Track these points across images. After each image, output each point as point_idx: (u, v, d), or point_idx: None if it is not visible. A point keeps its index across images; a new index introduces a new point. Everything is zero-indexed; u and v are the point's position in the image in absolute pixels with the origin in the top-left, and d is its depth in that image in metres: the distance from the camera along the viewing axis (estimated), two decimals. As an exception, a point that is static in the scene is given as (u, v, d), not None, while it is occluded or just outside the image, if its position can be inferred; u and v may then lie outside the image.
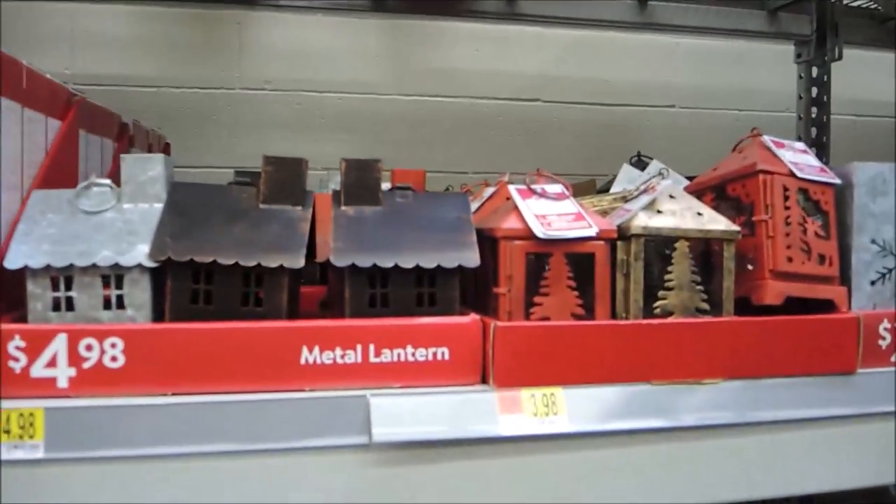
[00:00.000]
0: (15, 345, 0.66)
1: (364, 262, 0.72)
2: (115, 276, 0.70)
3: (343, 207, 0.77)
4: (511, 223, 0.75)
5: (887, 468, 0.83)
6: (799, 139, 1.57)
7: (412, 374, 0.72)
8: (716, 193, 0.90)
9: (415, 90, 1.75)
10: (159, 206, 0.74)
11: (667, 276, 0.78)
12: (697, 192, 0.90)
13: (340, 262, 0.72)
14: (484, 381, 0.74)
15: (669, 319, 0.78)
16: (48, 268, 0.69)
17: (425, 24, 1.73)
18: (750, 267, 0.83)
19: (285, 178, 0.76)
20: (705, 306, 0.79)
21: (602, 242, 0.76)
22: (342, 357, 0.70)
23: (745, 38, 1.75)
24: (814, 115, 1.61)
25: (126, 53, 1.61)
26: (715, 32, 1.60)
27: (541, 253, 0.75)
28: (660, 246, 0.78)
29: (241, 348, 0.69)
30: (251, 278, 0.71)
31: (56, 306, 0.70)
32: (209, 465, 0.67)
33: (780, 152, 0.85)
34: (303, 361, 0.70)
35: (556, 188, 0.80)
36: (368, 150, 0.77)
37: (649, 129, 1.86)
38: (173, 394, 0.68)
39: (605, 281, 0.76)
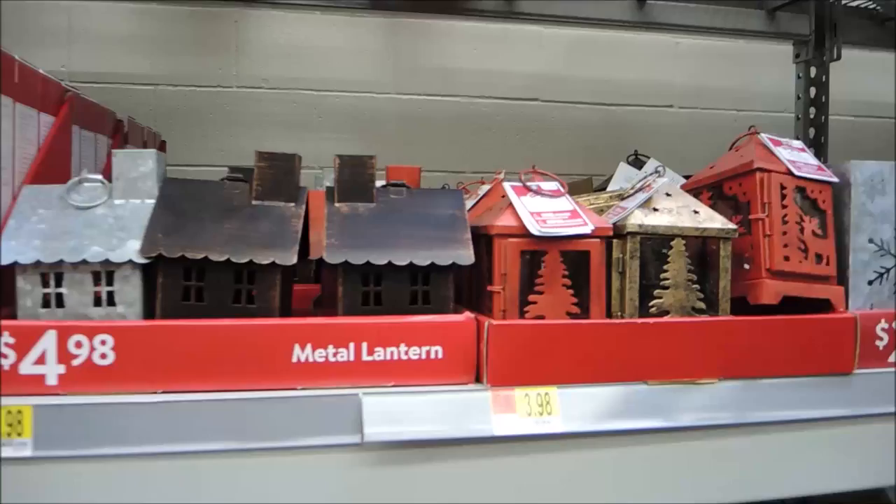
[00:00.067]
0: (4, 341, 0.65)
1: (357, 259, 0.72)
2: (105, 272, 0.69)
3: (336, 204, 0.77)
4: (506, 220, 0.75)
5: (885, 470, 0.83)
6: (797, 139, 1.57)
7: (405, 373, 0.71)
8: (713, 192, 0.89)
9: (413, 89, 1.74)
10: (151, 201, 0.73)
11: (663, 275, 0.78)
12: (694, 190, 0.90)
13: (333, 259, 0.71)
14: (478, 380, 0.73)
15: (665, 319, 0.77)
16: (38, 263, 0.68)
17: (424, 22, 1.73)
18: (746, 266, 0.83)
19: (278, 174, 0.75)
20: (702, 305, 0.79)
21: (598, 240, 0.75)
22: (334, 355, 0.70)
23: (743, 38, 1.74)
24: (812, 116, 1.61)
25: (123, 51, 1.60)
26: (713, 32, 1.60)
27: (536, 251, 0.74)
28: (656, 244, 0.78)
29: (233, 346, 0.68)
30: (243, 275, 0.71)
31: (46, 303, 0.69)
32: (199, 463, 0.67)
33: (778, 150, 0.85)
34: (295, 359, 0.69)
35: (551, 185, 0.80)
36: (366, 149, 0.77)
37: (648, 128, 1.85)
38: (164, 392, 0.67)
39: (601, 279, 0.76)
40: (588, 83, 1.83)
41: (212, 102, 1.65)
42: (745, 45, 1.85)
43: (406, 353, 0.71)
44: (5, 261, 0.67)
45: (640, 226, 0.76)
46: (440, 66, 1.75)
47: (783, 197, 0.82)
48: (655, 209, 0.79)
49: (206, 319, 0.69)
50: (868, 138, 1.93)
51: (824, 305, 0.83)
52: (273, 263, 0.70)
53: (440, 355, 0.72)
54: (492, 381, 0.71)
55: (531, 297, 0.74)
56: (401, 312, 0.72)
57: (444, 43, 1.75)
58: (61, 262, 0.68)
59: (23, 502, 0.64)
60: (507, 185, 0.79)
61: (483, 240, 0.77)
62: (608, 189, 1.09)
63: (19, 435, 0.63)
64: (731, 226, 0.79)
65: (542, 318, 0.74)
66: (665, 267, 0.78)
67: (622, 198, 0.85)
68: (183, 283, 0.70)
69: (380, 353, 0.71)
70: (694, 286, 0.78)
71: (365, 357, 0.70)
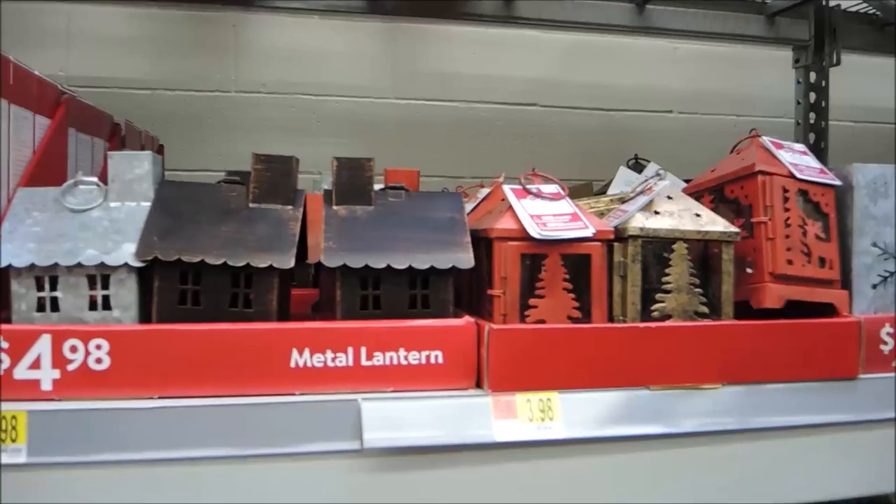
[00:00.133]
0: (-3, 346, 0.64)
1: (356, 262, 0.71)
2: (100, 275, 0.69)
3: (334, 207, 0.76)
4: (506, 223, 0.74)
5: (888, 476, 0.82)
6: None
7: (405, 378, 0.70)
8: (714, 195, 0.89)
9: (411, 94, 1.74)
10: (147, 204, 0.72)
11: (665, 279, 0.77)
12: (695, 193, 0.89)
13: (331, 262, 0.71)
14: (478, 385, 0.72)
15: (667, 323, 0.76)
16: (32, 267, 0.67)
17: (422, 27, 1.72)
18: (749, 270, 0.82)
19: (275, 177, 0.74)
20: (704, 309, 0.78)
21: (599, 243, 0.74)
22: (333, 360, 0.69)
23: (743, 43, 1.74)
24: (812, 121, 1.60)
25: (121, 55, 1.60)
26: (713, 37, 1.60)
27: (536, 254, 0.74)
28: (657, 248, 0.77)
29: (230, 350, 0.67)
30: (240, 279, 0.70)
31: (41, 307, 0.68)
32: (196, 470, 0.66)
33: (780, 153, 0.84)
34: (293, 364, 0.68)
35: (551, 188, 0.79)
36: (364, 154, 0.76)
37: (647, 133, 1.85)
38: (160, 397, 0.66)
39: (602, 283, 0.75)
40: (587, 88, 1.82)
41: (210, 107, 1.64)
42: (744, 50, 1.85)
43: (405, 357, 0.70)
44: (-1, 264, 0.67)
45: (641, 229, 0.76)
46: (439, 71, 1.75)
47: (785, 200, 0.81)
48: (657, 212, 0.78)
49: (202, 324, 0.68)
50: (868, 144, 1.93)
51: (828, 310, 0.82)
52: (270, 267, 0.69)
53: (440, 360, 0.71)
54: (492, 386, 0.71)
55: (532, 301, 0.74)
56: (400, 317, 0.72)
57: (442, 47, 1.75)
58: (56, 265, 0.68)
59: (16, 510, 0.63)
60: (506, 188, 0.79)
61: (483, 243, 0.76)
62: (608, 193, 1.08)
63: (13, 441, 0.63)
64: (734, 229, 0.78)
65: (543, 322, 0.73)
66: (667, 271, 0.77)
67: (623, 201, 0.85)
68: (179, 286, 0.69)
69: (379, 358, 0.70)
70: (696, 290, 0.77)
71: (364, 362, 0.69)
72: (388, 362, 0.70)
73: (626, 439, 0.73)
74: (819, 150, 1.58)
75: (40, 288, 0.68)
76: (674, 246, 0.77)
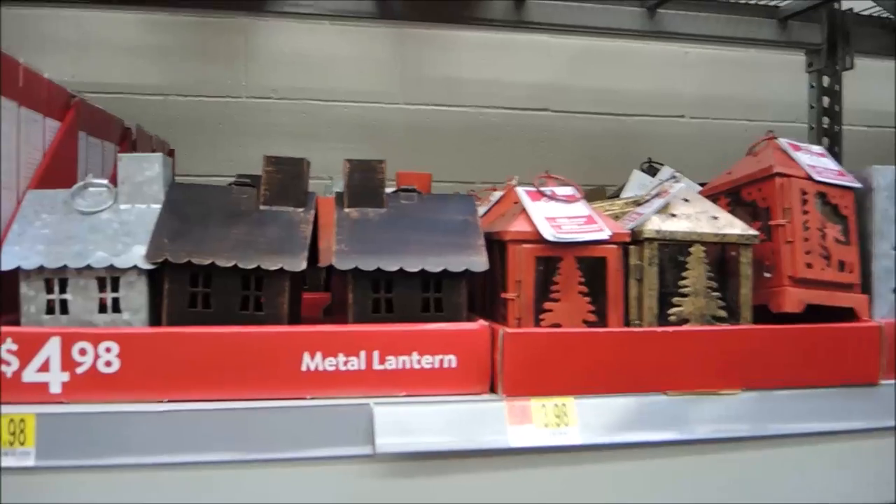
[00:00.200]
0: (7, 348, 0.64)
1: (368, 265, 0.70)
2: (110, 278, 0.68)
3: (346, 209, 0.75)
4: (520, 226, 0.73)
5: (909, 484, 0.80)
6: (814, 146, 1.55)
7: (417, 383, 0.69)
8: (731, 198, 0.87)
9: (421, 99, 1.73)
10: (157, 206, 0.72)
11: (682, 282, 0.76)
12: (711, 196, 0.88)
13: (343, 265, 0.70)
14: (492, 390, 0.71)
15: (685, 327, 0.75)
16: (42, 269, 0.67)
17: (431, 32, 1.72)
18: (767, 274, 0.80)
19: (286, 179, 0.74)
20: (722, 314, 0.76)
21: (614, 246, 0.73)
22: (345, 364, 0.68)
23: (755, 47, 1.73)
24: (825, 126, 1.59)
25: (132, 61, 1.60)
26: (725, 41, 1.59)
27: (551, 257, 0.73)
28: (674, 250, 0.76)
29: (240, 354, 0.67)
30: (251, 281, 0.69)
31: (50, 309, 0.68)
32: (205, 475, 0.65)
33: (797, 155, 0.83)
34: (304, 368, 0.67)
35: (566, 190, 0.78)
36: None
37: (658, 139, 1.84)
38: (169, 400, 0.66)
39: (618, 286, 0.74)
40: (597, 93, 1.81)
41: (221, 112, 1.64)
42: (755, 54, 1.84)
43: (418, 361, 0.69)
44: (8, 266, 0.66)
45: (657, 231, 0.75)
46: (448, 76, 1.74)
47: (804, 202, 0.80)
48: (673, 215, 0.77)
49: (213, 326, 0.67)
50: (882, 148, 1.91)
51: (848, 314, 0.81)
52: (281, 269, 0.68)
53: (454, 364, 0.70)
54: (507, 391, 0.69)
55: (546, 305, 0.72)
56: (413, 320, 0.71)
57: (451, 52, 1.74)
58: (65, 267, 0.67)
59: (24, 513, 0.62)
60: (520, 190, 0.78)
61: (496, 246, 0.75)
62: (622, 196, 1.07)
63: (22, 444, 0.62)
64: (752, 231, 0.77)
65: (558, 326, 0.72)
66: (684, 274, 0.76)
67: (638, 204, 0.84)
68: (189, 289, 0.68)
69: (391, 362, 0.69)
70: (714, 294, 0.76)
71: (376, 366, 0.68)
72: (400, 366, 0.69)
73: (643, 445, 0.72)
74: (833, 155, 1.56)
75: (49, 290, 0.68)
76: (691, 249, 0.76)
